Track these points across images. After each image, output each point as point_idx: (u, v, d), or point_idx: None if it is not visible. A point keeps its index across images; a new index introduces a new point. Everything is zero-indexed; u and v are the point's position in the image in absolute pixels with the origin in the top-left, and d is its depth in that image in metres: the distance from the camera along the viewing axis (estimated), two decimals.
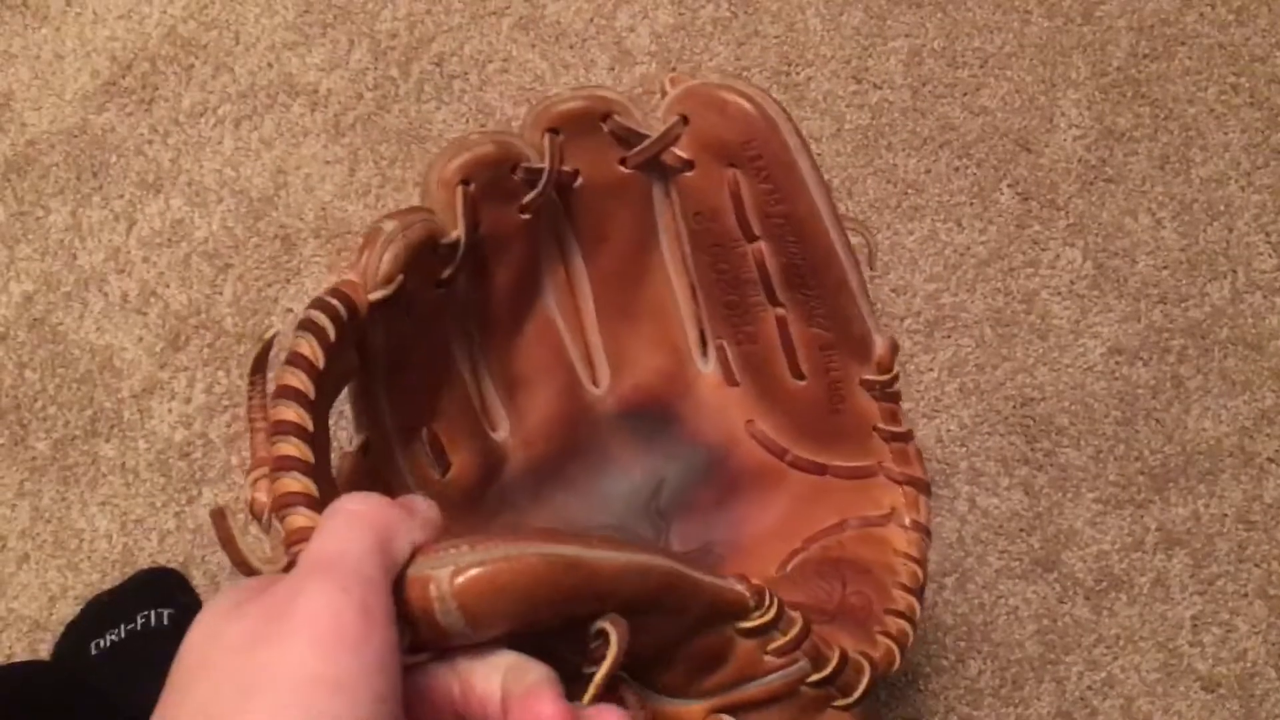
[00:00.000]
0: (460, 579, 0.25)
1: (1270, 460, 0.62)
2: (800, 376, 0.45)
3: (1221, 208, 0.66)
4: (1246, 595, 0.61)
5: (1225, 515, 0.62)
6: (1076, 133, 0.67)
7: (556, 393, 0.45)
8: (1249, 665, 0.60)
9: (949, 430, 0.63)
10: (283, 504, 0.29)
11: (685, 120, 0.42)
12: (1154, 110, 0.67)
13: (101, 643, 0.57)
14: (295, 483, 0.29)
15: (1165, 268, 0.65)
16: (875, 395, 0.43)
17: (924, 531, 0.43)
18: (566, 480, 0.45)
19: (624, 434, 0.47)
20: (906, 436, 0.44)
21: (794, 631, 0.32)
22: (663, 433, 0.47)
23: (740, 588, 0.32)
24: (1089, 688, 0.60)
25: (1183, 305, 0.64)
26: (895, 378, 0.43)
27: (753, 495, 0.47)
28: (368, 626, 0.23)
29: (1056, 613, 0.61)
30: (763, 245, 0.42)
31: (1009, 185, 0.66)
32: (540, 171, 0.41)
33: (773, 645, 0.32)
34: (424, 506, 0.28)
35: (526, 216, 0.42)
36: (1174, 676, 0.60)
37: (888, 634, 0.38)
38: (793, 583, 0.41)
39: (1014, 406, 0.63)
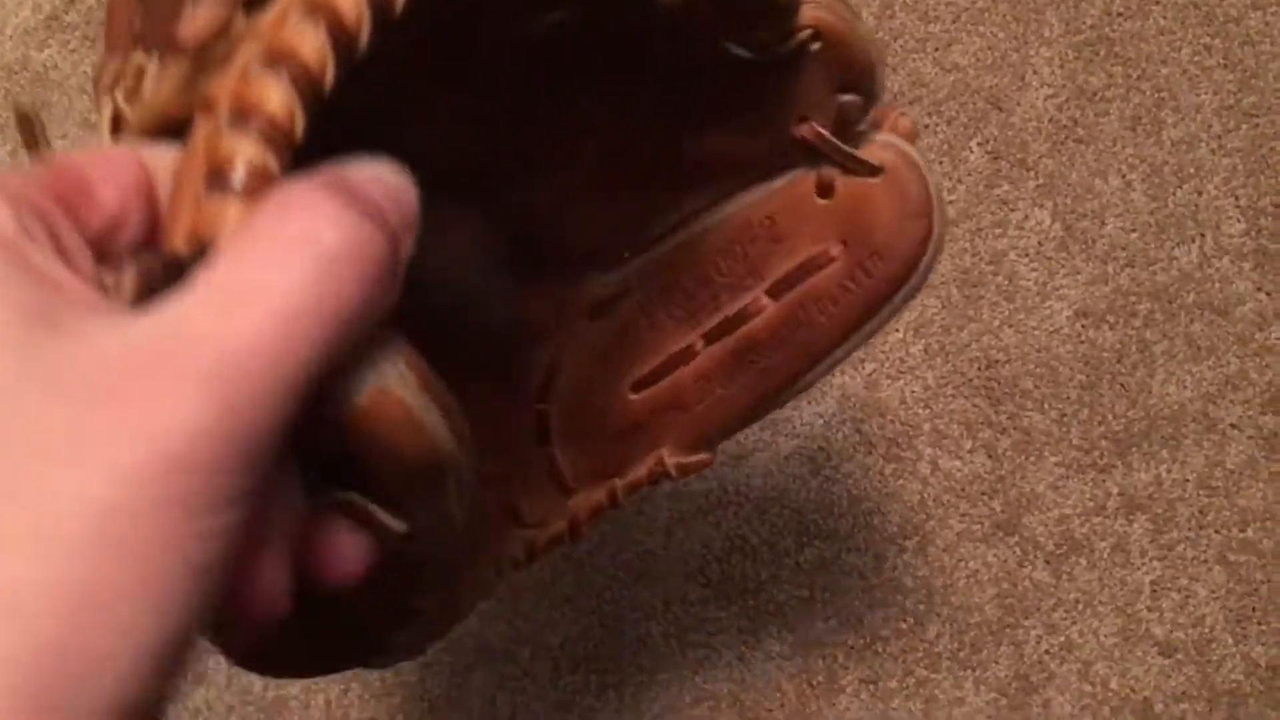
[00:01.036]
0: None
1: (1233, 426, 0.62)
2: None
3: (1192, 170, 0.65)
4: (1206, 561, 0.60)
5: (1187, 481, 0.61)
6: (1048, 91, 0.66)
7: None
8: (1206, 631, 0.60)
9: (913, 392, 0.62)
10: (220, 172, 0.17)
11: None
12: (1126, 70, 0.66)
13: None
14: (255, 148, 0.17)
15: (1134, 230, 0.64)
16: None
17: None
18: None
19: None
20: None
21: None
22: None
23: None
24: (1047, 651, 0.59)
25: (1150, 269, 0.64)
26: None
27: None
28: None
29: (1016, 576, 0.60)
30: None
31: (979, 144, 0.65)
32: None
33: None
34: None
35: None
36: (1132, 641, 0.60)
37: None
38: None
39: (979, 369, 0.62)
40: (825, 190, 0.32)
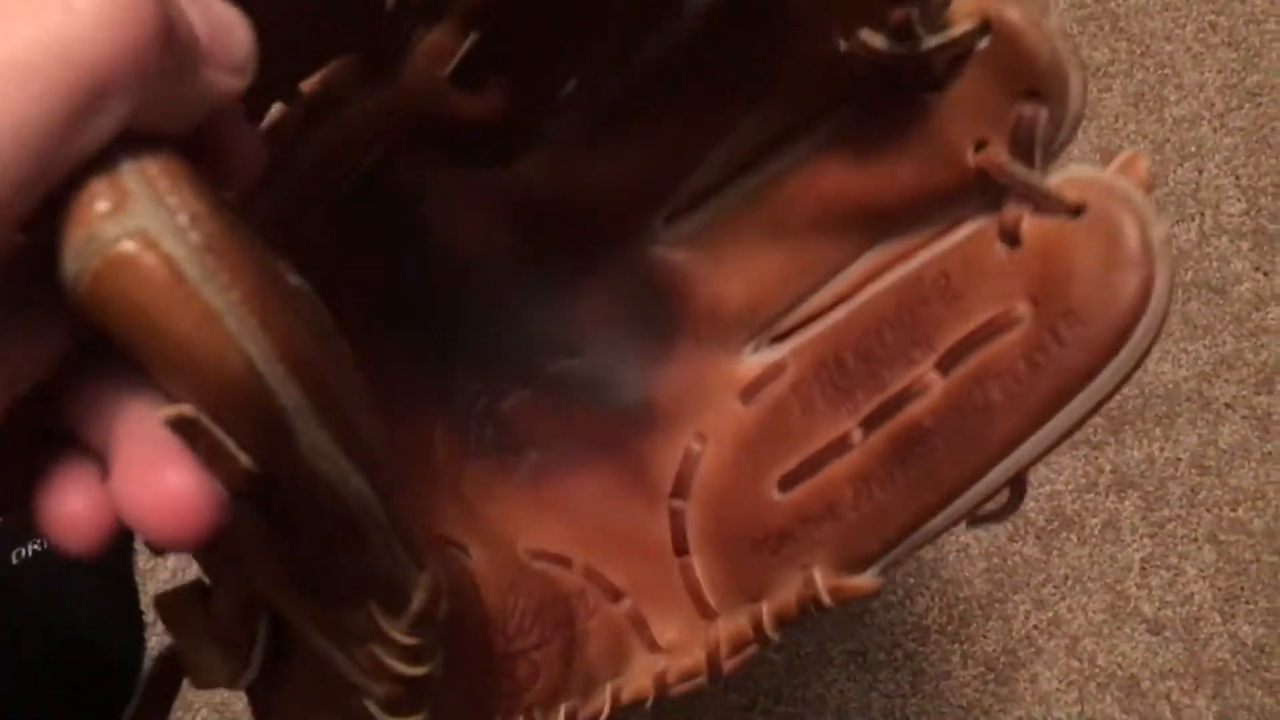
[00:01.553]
0: None
1: (1227, 405, 0.62)
2: None
3: (1193, 149, 0.64)
4: (1196, 540, 0.60)
5: (1179, 459, 0.61)
6: None
7: None
8: (1195, 609, 0.60)
9: None
10: None
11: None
12: (1130, 46, 0.66)
13: (23, 552, 0.55)
14: None
15: None
16: None
17: None
18: None
19: None
20: None
21: None
22: None
23: None
24: (1035, 627, 0.59)
25: None
26: None
27: None
28: None
29: (1006, 551, 0.60)
30: None
31: None
32: None
33: None
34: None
35: None
36: (1120, 618, 0.60)
37: None
38: None
39: None
40: (1010, 236, 0.25)
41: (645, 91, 0.25)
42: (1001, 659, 0.59)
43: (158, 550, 0.14)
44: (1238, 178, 0.64)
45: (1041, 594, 0.60)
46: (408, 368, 0.28)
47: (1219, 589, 0.60)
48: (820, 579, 0.27)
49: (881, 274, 0.28)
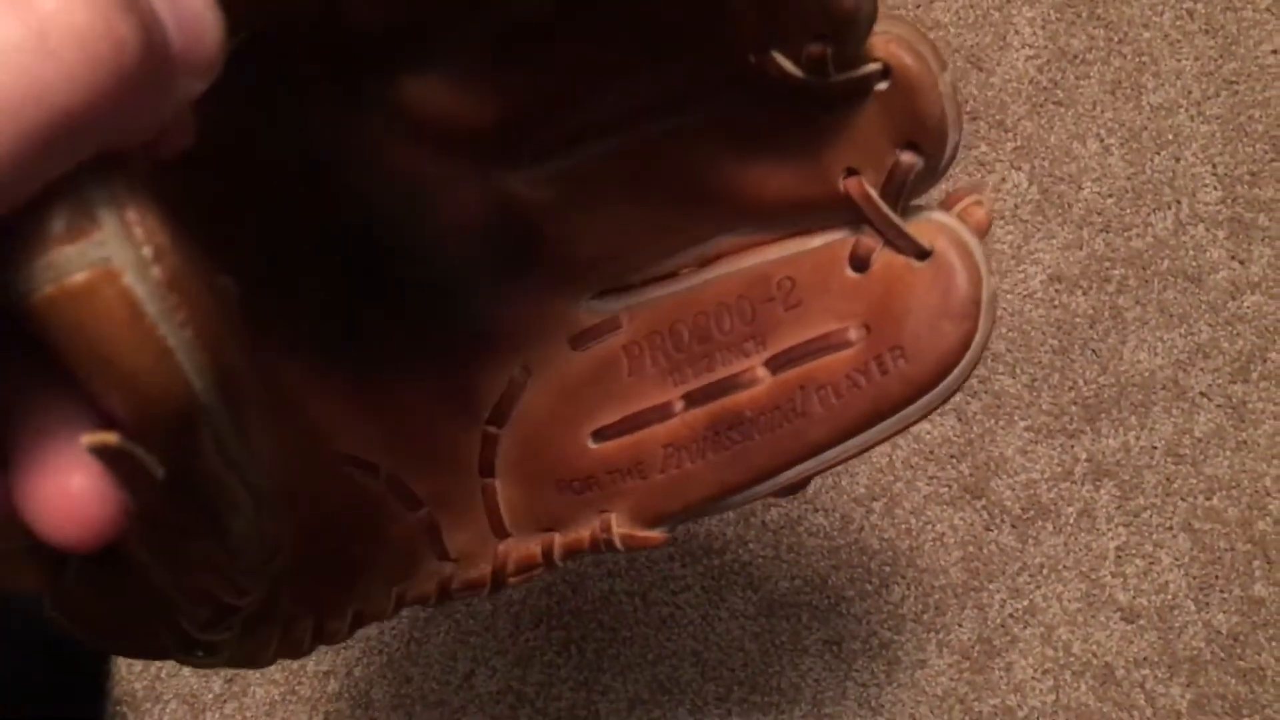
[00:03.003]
0: None
1: (1202, 394, 0.62)
2: None
3: (1170, 137, 0.64)
4: (1171, 528, 0.60)
5: (1155, 448, 0.61)
6: (1029, 52, 0.65)
7: None
8: (1169, 598, 0.60)
9: None
10: None
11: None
12: (1108, 33, 0.65)
13: None
14: None
15: (1110, 195, 0.64)
16: None
17: None
18: None
19: None
20: None
21: None
22: None
23: None
24: (1010, 615, 0.59)
25: (1125, 235, 0.63)
26: None
27: None
28: None
29: (982, 540, 0.60)
30: None
31: None
32: None
33: None
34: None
35: None
36: (1095, 606, 0.60)
37: None
38: None
39: None
40: (859, 262, 0.27)
41: (539, 23, 0.25)
42: (977, 648, 0.59)
43: (54, 549, 0.14)
44: (1214, 166, 0.64)
45: (1017, 583, 0.60)
46: (249, 252, 0.27)
47: (1194, 577, 0.60)
48: (615, 525, 0.30)
49: (730, 259, 0.29)
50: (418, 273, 0.30)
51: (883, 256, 0.26)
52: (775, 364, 0.28)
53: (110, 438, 0.14)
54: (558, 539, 0.30)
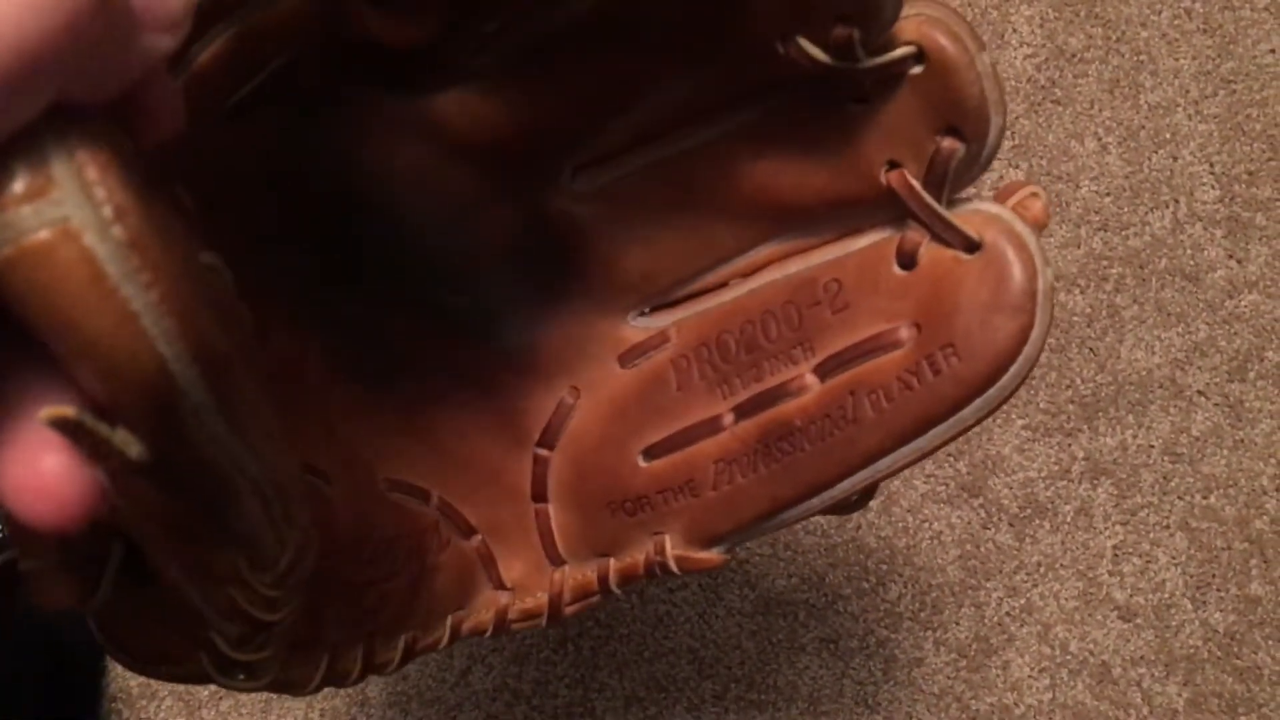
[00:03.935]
0: None
1: (1200, 393, 0.62)
2: None
3: (1168, 135, 0.64)
4: (1168, 527, 0.60)
5: (1152, 446, 0.61)
6: (1028, 51, 0.65)
7: None
8: (1166, 596, 0.60)
9: None
10: None
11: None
12: (1106, 32, 0.65)
13: None
14: None
15: (1108, 194, 0.64)
16: None
17: None
18: None
19: None
20: None
21: None
22: None
23: None
24: (1008, 614, 0.59)
25: (1123, 233, 0.63)
26: None
27: None
28: None
29: (980, 538, 0.60)
30: None
31: None
32: None
33: None
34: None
35: None
36: (1092, 605, 0.60)
37: None
38: None
39: None
40: (906, 259, 0.25)
41: (575, 33, 0.24)
42: (974, 646, 0.59)
43: (28, 530, 0.14)
44: (1212, 165, 0.64)
45: (1014, 581, 0.60)
46: (290, 281, 0.27)
47: (1191, 576, 0.60)
48: (669, 547, 0.28)
49: (776, 266, 0.28)
50: (460, 296, 0.30)
51: (930, 251, 0.25)
52: (824, 369, 0.27)
53: (67, 411, 0.14)
54: (613, 564, 0.29)
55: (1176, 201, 0.64)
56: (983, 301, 0.24)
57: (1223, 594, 0.60)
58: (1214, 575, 0.60)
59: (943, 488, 0.60)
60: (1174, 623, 0.59)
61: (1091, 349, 0.62)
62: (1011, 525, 0.60)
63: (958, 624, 0.59)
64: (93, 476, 0.14)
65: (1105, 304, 0.62)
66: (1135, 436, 0.61)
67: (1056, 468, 0.61)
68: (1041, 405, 0.61)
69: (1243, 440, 0.61)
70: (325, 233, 0.28)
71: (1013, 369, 0.24)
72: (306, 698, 0.58)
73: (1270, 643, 0.59)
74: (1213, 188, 0.64)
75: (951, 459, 0.60)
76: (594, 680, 0.59)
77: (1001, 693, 0.59)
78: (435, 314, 0.30)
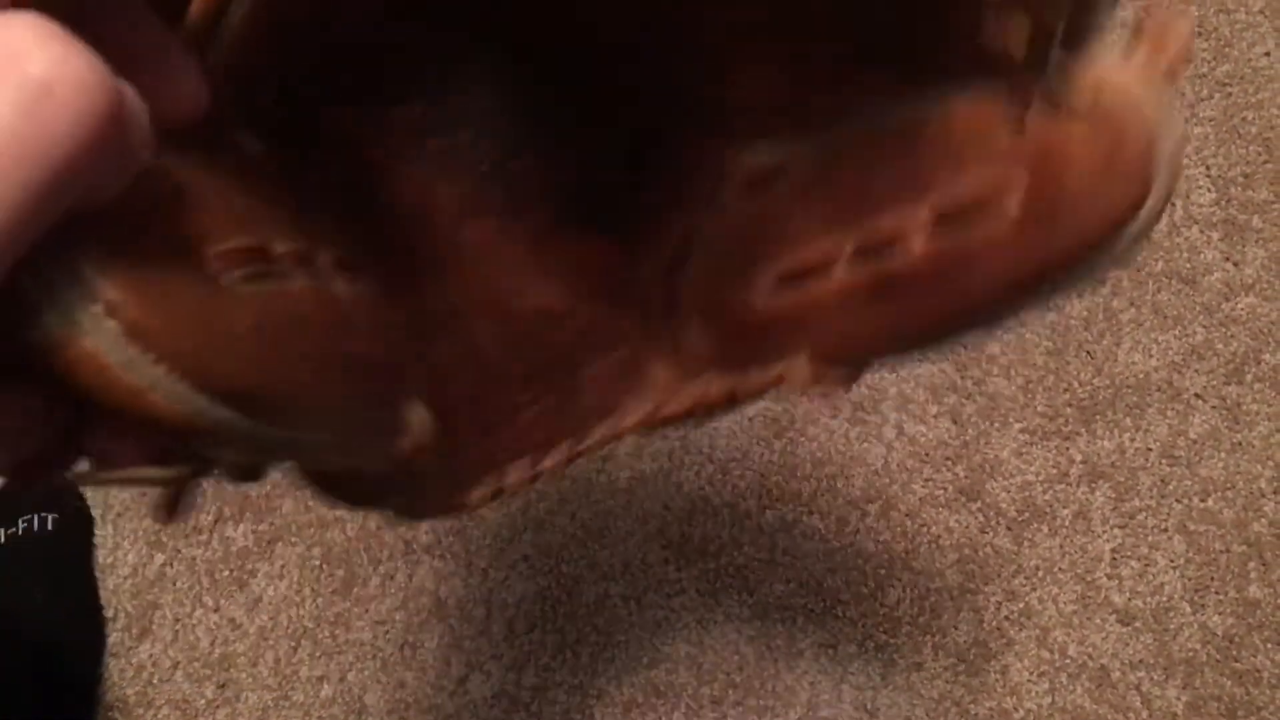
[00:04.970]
0: None
1: (1197, 396, 0.62)
2: None
3: None
4: (1166, 530, 0.60)
5: (1150, 450, 0.61)
6: None
7: None
8: (1165, 599, 0.60)
9: None
10: None
11: None
12: None
13: None
14: None
15: None
16: None
17: None
18: None
19: None
20: None
21: None
22: None
23: None
24: (1006, 618, 0.59)
25: None
26: None
27: None
28: None
29: (978, 542, 0.60)
30: None
31: None
32: None
33: None
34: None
35: None
36: (1091, 608, 0.59)
37: None
38: None
39: None
40: (1017, 119, 0.25)
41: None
42: (972, 650, 0.59)
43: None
44: (1208, 168, 0.64)
45: (1012, 585, 0.60)
46: (411, 122, 0.28)
47: (1189, 579, 0.60)
48: (796, 368, 0.29)
49: (891, 106, 0.28)
50: (628, 111, 0.31)
51: (1041, 111, 0.24)
52: (936, 221, 0.26)
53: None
54: (749, 377, 0.31)
55: (1173, 205, 0.64)
56: (1093, 167, 0.23)
57: (1221, 597, 0.60)
58: (1212, 578, 0.60)
59: (941, 492, 0.60)
60: (1173, 626, 0.59)
61: (1089, 352, 0.62)
62: (1010, 529, 0.60)
63: (956, 628, 0.59)
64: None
65: (1102, 307, 0.62)
66: (1133, 439, 0.61)
67: (1054, 471, 0.61)
68: (1039, 409, 0.61)
69: (1240, 443, 0.61)
70: (439, 75, 0.29)
71: (1129, 229, 0.23)
72: (305, 707, 0.58)
73: (1269, 646, 0.59)
74: (1209, 190, 0.64)
75: (949, 463, 0.60)
76: (592, 687, 0.59)
77: (1000, 697, 0.58)
78: (558, 144, 0.31)
